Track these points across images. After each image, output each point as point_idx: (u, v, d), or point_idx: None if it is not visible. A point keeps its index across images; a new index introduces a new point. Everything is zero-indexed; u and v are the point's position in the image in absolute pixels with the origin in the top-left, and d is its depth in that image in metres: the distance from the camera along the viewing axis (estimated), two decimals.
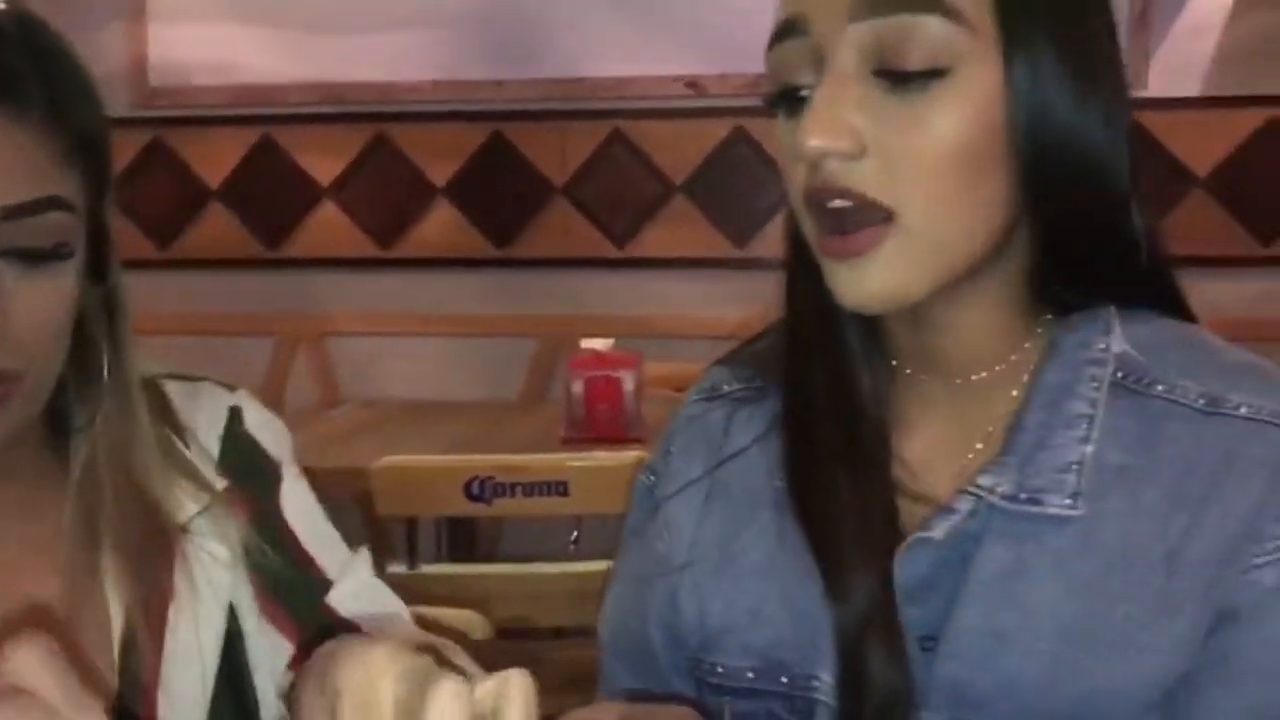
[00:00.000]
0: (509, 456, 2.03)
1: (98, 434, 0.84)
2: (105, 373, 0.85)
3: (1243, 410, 0.78)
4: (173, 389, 0.93)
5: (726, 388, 0.94)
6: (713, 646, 0.88)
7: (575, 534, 2.89)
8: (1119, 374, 0.81)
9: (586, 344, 2.45)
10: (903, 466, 0.85)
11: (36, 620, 0.82)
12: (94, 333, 0.85)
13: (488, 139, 3.54)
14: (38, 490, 0.85)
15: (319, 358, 3.67)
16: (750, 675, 0.86)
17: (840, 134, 0.74)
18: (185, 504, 0.87)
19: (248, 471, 0.92)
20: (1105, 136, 0.78)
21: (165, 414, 0.90)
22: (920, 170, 0.75)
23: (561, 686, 2.03)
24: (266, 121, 3.61)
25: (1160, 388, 0.80)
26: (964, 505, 0.80)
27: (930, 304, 0.79)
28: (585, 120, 3.47)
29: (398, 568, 2.08)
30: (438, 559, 2.42)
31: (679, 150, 3.45)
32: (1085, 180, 0.79)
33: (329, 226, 3.63)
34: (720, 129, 3.42)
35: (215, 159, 3.65)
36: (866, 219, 0.75)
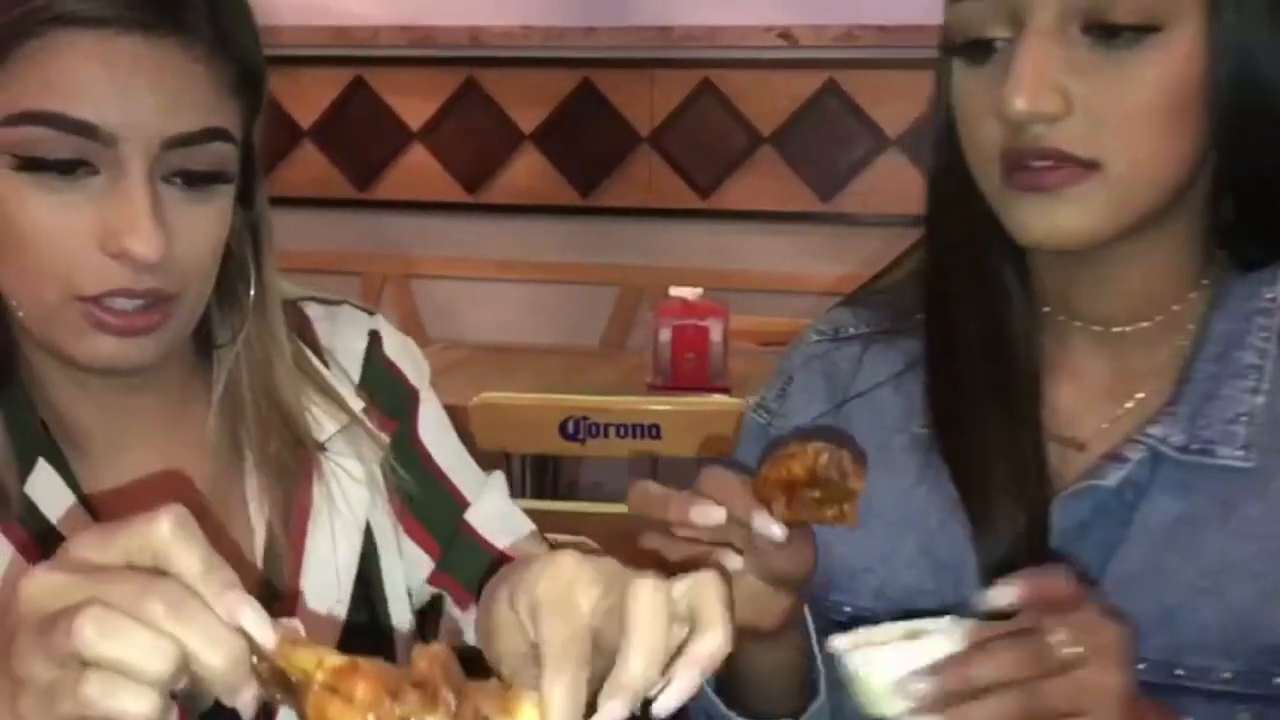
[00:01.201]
0: (604, 398, 2.06)
1: (241, 352, 0.87)
2: (250, 293, 0.88)
3: None
4: (314, 311, 0.96)
5: (853, 329, 0.95)
6: (840, 586, 0.88)
7: (653, 479, 2.92)
8: None
9: (675, 292, 2.46)
10: (1051, 412, 0.85)
11: (183, 496, 0.85)
12: (240, 255, 0.88)
13: (576, 86, 3.55)
14: (184, 403, 0.88)
15: (404, 299, 3.73)
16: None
17: (1049, 96, 0.74)
18: (324, 423, 0.90)
19: (388, 396, 0.95)
20: None
21: (306, 335, 0.94)
22: (1126, 125, 0.75)
23: None
24: (358, 63, 3.64)
25: None
26: (1136, 454, 0.80)
27: (1102, 250, 0.79)
28: (674, 69, 3.47)
29: None
30: (524, 496, 2.46)
31: (768, 101, 3.44)
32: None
33: (418, 170, 3.66)
34: (812, 81, 3.40)
35: (307, 99, 3.70)
36: (1067, 168, 0.76)
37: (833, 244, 3.39)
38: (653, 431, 1.94)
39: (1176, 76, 0.75)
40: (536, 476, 2.58)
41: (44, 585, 0.53)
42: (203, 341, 0.89)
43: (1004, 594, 0.67)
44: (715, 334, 2.43)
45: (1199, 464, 0.79)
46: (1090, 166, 0.75)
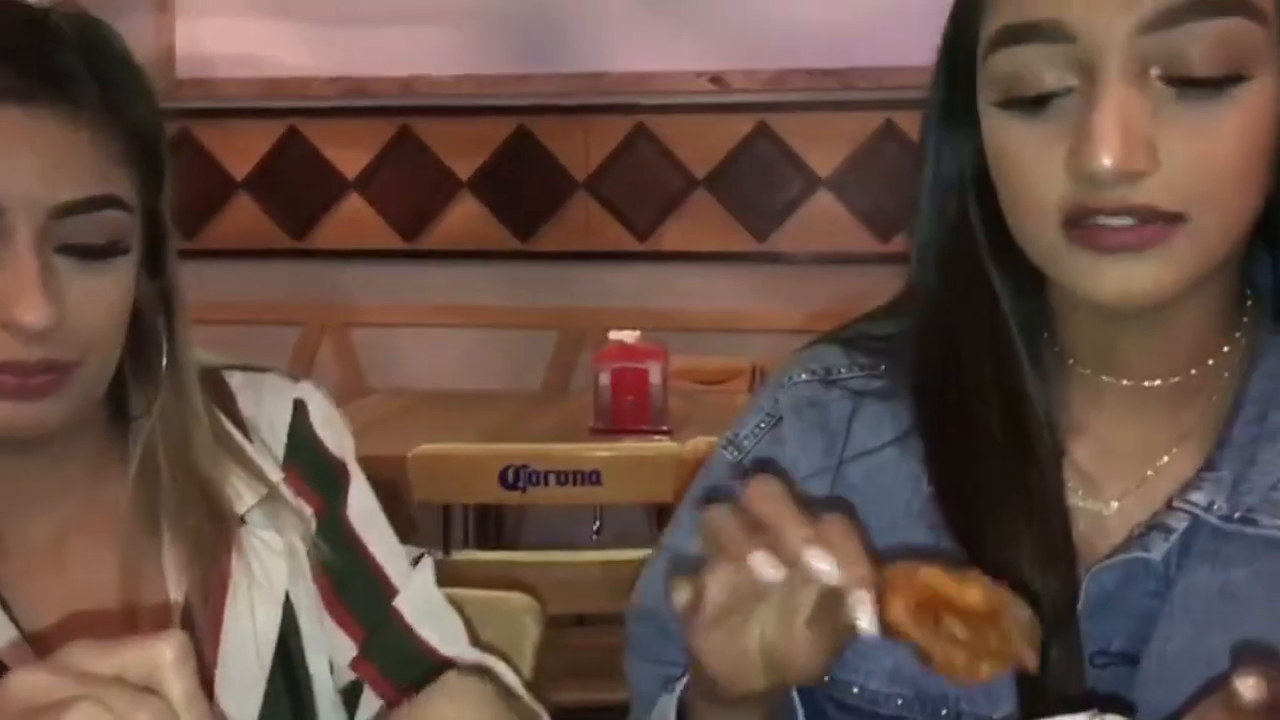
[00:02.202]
0: (543, 446, 2.06)
1: (155, 422, 0.86)
2: (163, 363, 0.86)
3: None
4: (236, 380, 0.94)
5: (845, 371, 0.88)
6: (849, 665, 0.81)
7: (597, 523, 2.92)
8: None
9: (614, 335, 2.48)
10: (1074, 471, 0.80)
11: (160, 619, 0.84)
12: (152, 324, 0.86)
13: (512, 133, 3.57)
14: (99, 475, 0.87)
15: (343, 347, 3.71)
16: (899, 703, 0.80)
17: (1139, 153, 0.69)
18: (243, 494, 0.89)
19: (314, 472, 0.94)
20: None
21: (227, 405, 0.92)
22: (1214, 177, 0.70)
23: (584, 671, 2.06)
24: (292, 114, 3.64)
25: None
26: (1179, 524, 0.75)
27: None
28: (608, 115, 3.50)
29: (434, 554, 2.12)
30: (465, 546, 2.45)
31: (701, 145, 3.48)
32: None
33: (354, 219, 3.66)
34: (743, 124, 3.44)
35: (241, 150, 3.68)
36: (1150, 225, 0.71)
37: (768, 282, 3.43)
38: (593, 478, 1.94)
39: (1262, 124, 0.71)
40: (479, 525, 2.58)
41: (32, 682, 0.53)
42: (118, 413, 0.88)
43: (1251, 688, 0.60)
44: (654, 376, 2.45)
45: (1240, 534, 0.75)
46: (1174, 221, 0.70)
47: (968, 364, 0.80)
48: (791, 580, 0.66)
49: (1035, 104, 0.72)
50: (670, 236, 3.53)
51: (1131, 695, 0.76)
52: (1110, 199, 0.70)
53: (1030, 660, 0.64)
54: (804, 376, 0.88)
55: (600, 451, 2.05)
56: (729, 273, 3.47)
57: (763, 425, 0.89)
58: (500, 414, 2.78)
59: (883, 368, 0.86)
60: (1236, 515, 0.75)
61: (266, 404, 0.94)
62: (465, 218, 3.62)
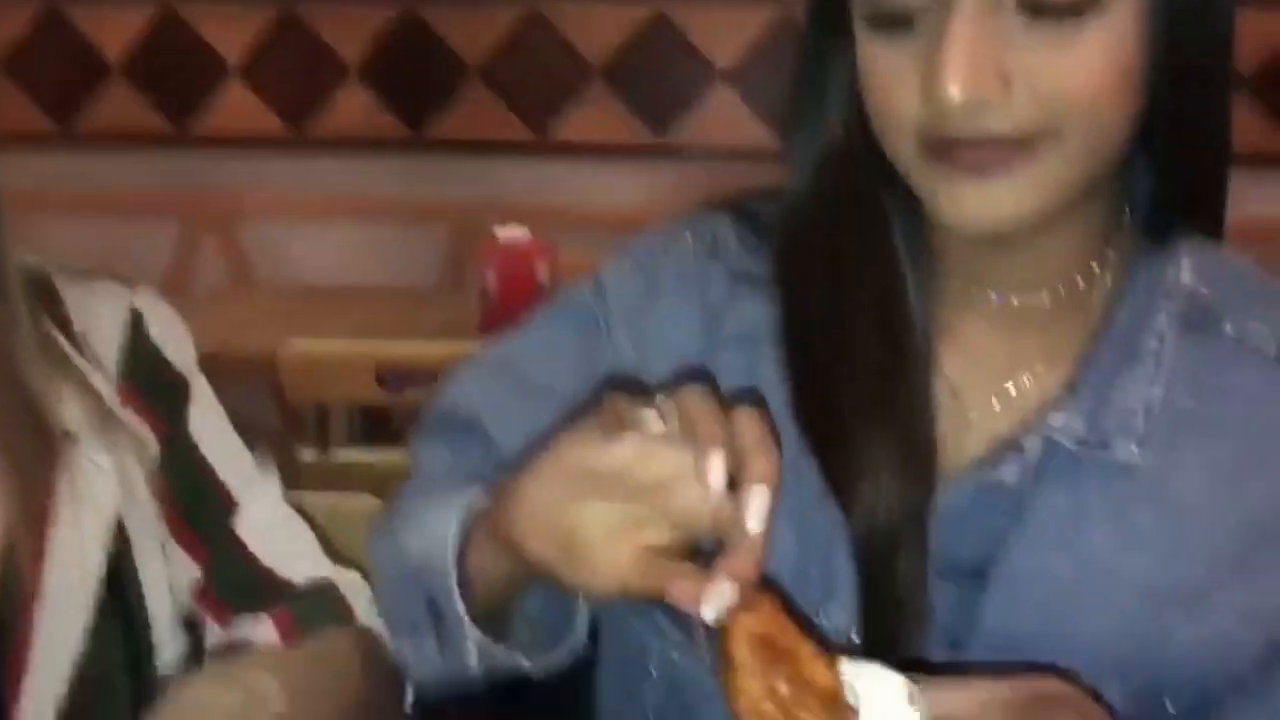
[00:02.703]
0: (420, 344, 2.01)
1: None
2: None
3: None
4: (65, 285, 0.88)
5: (732, 245, 0.85)
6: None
7: None
8: (1186, 310, 0.77)
9: (500, 233, 2.41)
10: (940, 380, 0.79)
11: None
12: None
13: (400, 17, 3.43)
14: None
15: (228, 241, 3.58)
16: None
17: (988, 80, 0.68)
18: (72, 410, 0.83)
19: (154, 387, 0.88)
20: (1229, 46, 0.75)
21: (53, 312, 0.86)
22: (1072, 101, 0.69)
23: None
24: None
25: (1229, 327, 0.77)
26: (1034, 446, 0.76)
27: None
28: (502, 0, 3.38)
29: (309, 453, 2.06)
30: (351, 443, 2.40)
31: (599, 34, 3.37)
32: (1217, 95, 0.75)
33: (237, 106, 3.51)
34: (640, 12, 3.34)
35: (114, 31, 3.49)
36: (1004, 149, 0.70)
37: (667, 177, 3.37)
38: None
39: (1121, 46, 0.70)
40: (365, 424, 2.53)
41: None
42: None
43: None
44: (542, 274, 2.39)
45: (1093, 457, 0.75)
46: (1027, 144, 0.70)
47: (847, 271, 0.79)
48: (675, 504, 0.64)
49: (896, 23, 0.71)
50: (566, 128, 3.44)
51: (975, 612, 0.76)
52: (962, 126, 0.69)
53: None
54: (691, 241, 0.85)
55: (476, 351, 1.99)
56: (626, 167, 3.41)
57: (631, 272, 0.85)
58: (390, 310, 2.72)
59: (767, 248, 0.83)
60: (1093, 440, 0.75)
61: (99, 313, 0.87)
62: (354, 106, 3.49)
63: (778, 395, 0.79)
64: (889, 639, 0.75)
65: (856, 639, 0.76)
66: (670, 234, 0.86)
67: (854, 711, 0.60)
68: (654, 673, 0.82)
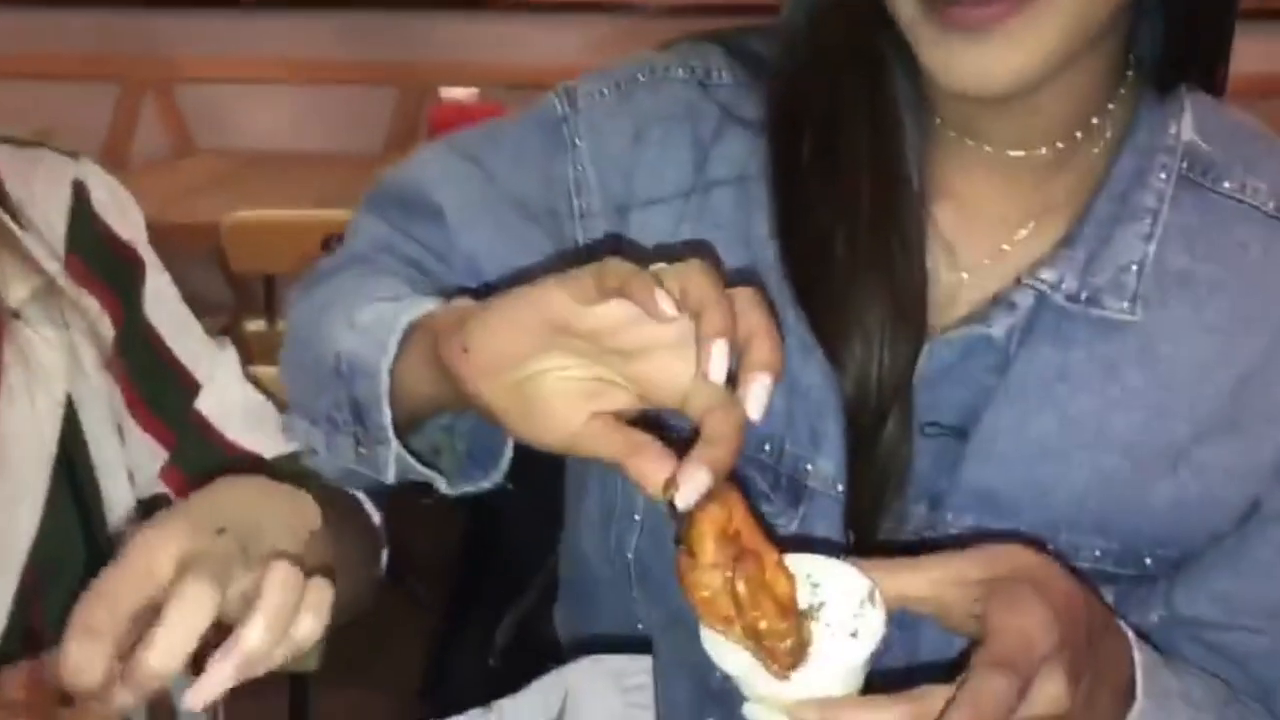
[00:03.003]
0: None
1: None
2: None
3: None
4: (3, 156, 0.83)
5: (723, 76, 0.80)
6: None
7: None
8: (1186, 165, 0.75)
9: (446, 94, 2.35)
10: (933, 234, 0.77)
11: None
12: None
13: None
14: None
15: (167, 106, 3.48)
16: None
17: None
18: (14, 285, 0.80)
19: (105, 264, 0.85)
20: None
21: None
22: None
23: None
24: None
25: (1228, 184, 0.75)
26: (1025, 300, 0.74)
27: None
28: None
29: (257, 324, 2.03)
30: None
31: None
32: None
33: None
34: None
35: None
36: (1004, 5, 0.66)
37: (620, 33, 3.29)
38: None
39: None
40: None
41: None
42: None
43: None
44: None
45: (1084, 314, 0.73)
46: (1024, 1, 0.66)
47: (844, 120, 0.76)
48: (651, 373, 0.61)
49: None
50: None
51: (957, 469, 0.75)
52: None
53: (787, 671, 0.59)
54: (680, 73, 0.81)
55: None
56: (578, 24, 3.31)
57: (606, 93, 0.81)
58: (337, 176, 2.65)
59: (759, 78, 0.79)
60: (1083, 295, 0.73)
61: (40, 185, 0.84)
62: None
63: (766, 245, 0.77)
64: (873, 493, 0.75)
65: (841, 489, 0.76)
66: (658, 63, 0.82)
67: (810, 618, 0.59)
68: (638, 518, 0.81)
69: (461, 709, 0.71)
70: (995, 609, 0.61)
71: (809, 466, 0.76)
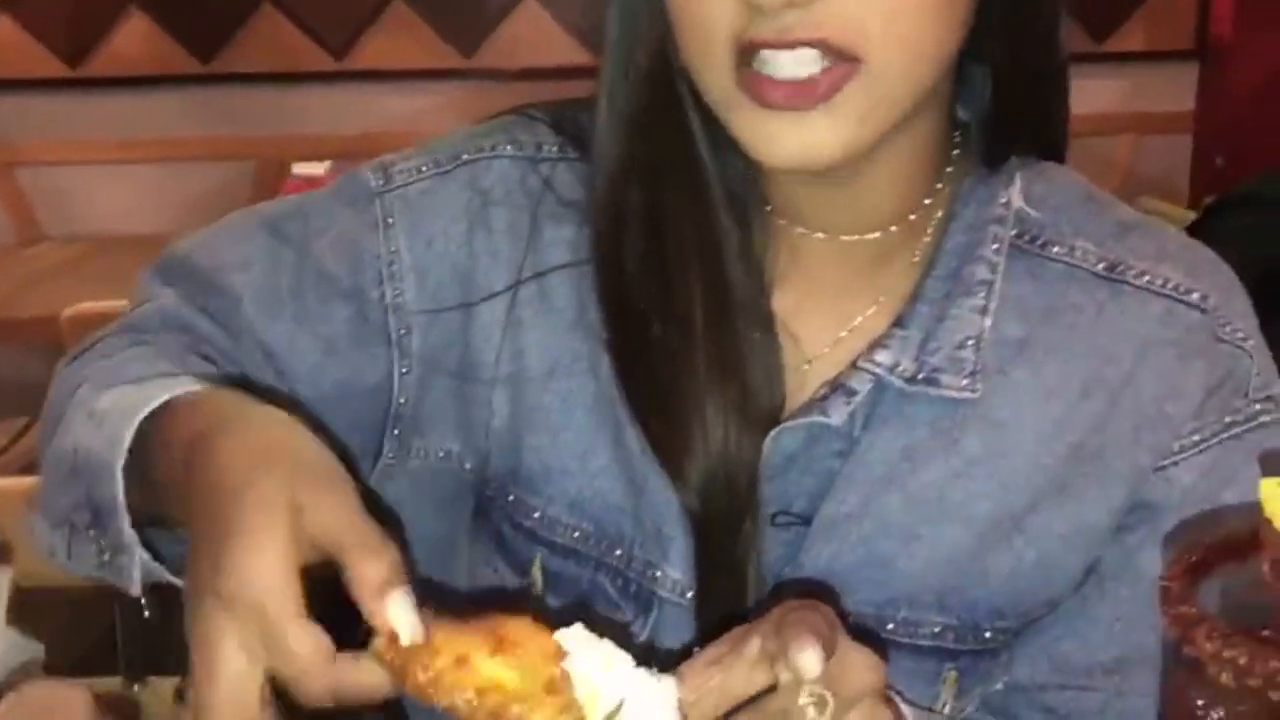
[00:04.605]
0: None
1: None
2: None
3: (1144, 279, 0.74)
4: None
5: (553, 152, 0.77)
6: (530, 486, 0.76)
7: None
8: (1016, 234, 0.74)
9: (299, 170, 2.28)
10: (781, 326, 0.75)
11: None
12: None
13: None
14: None
15: (10, 191, 3.33)
16: (575, 535, 0.76)
17: None
18: None
19: None
20: None
21: None
22: (894, 11, 0.64)
23: None
24: None
25: (1057, 249, 0.75)
26: (863, 385, 0.72)
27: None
28: None
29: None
30: None
31: None
32: (1044, 13, 0.72)
33: (6, 44, 3.24)
34: None
35: None
36: (824, 67, 0.64)
37: (478, 103, 3.26)
38: None
39: None
40: None
41: None
42: None
43: (812, 662, 0.54)
44: None
45: (924, 394, 0.72)
46: (848, 61, 0.64)
47: (666, 232, 0.73)
48: None
49: None
50: (368, 54, 3.29)
51: (798, 554, 0.74)
52: (779, 28, 0.63)
53: None
54: (508, 149, 0.77)
55: None
56: (433, 92, 3.28)
57: (425, 170, 0.77)
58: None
59: (582, 152, 0.76)
60: (920, 376, 0.72)
61: None
62: (135, 37, 3.26)
63: (600, 341, 0.74)
64: (724, 597, 0.73)
65: (691, 595, 0.74)
66: (484, 144, 0.78)
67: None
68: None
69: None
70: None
71: (657, 574, 0.74)
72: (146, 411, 0.62)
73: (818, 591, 0.70)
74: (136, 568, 0.64)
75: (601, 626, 0.54)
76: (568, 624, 0.54)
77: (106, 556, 0.65)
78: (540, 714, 0.51)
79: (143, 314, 0.76)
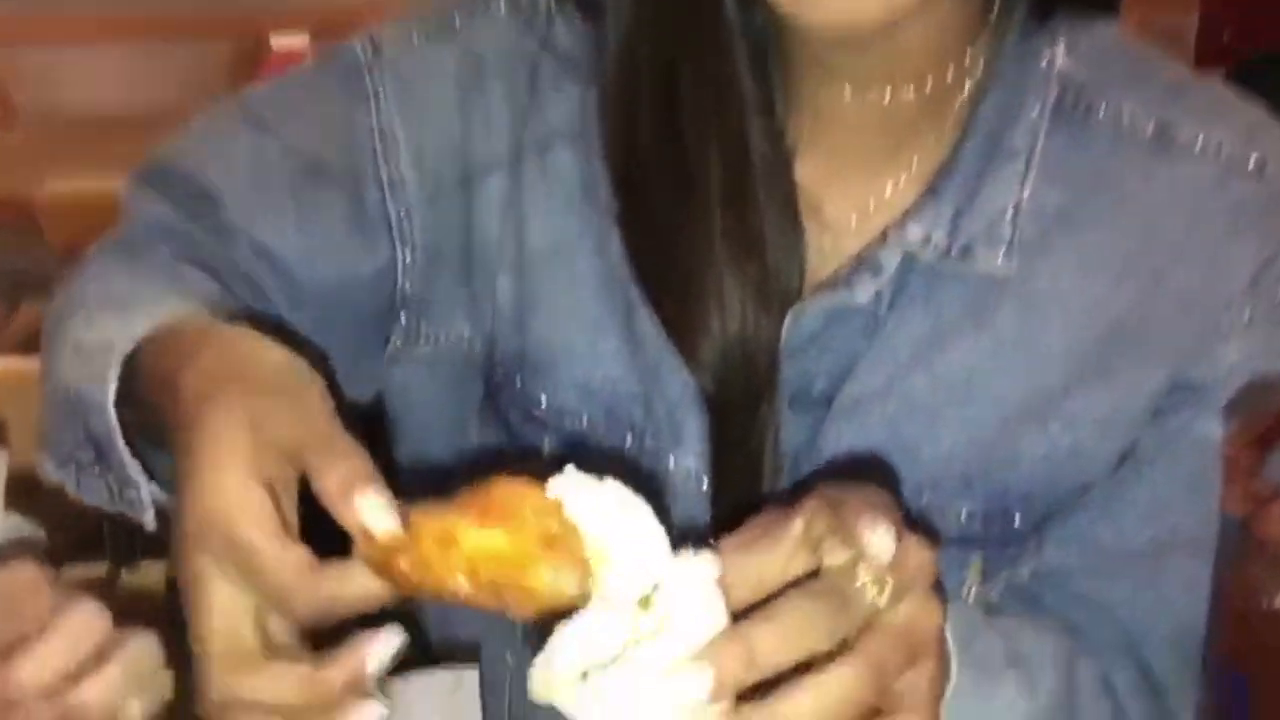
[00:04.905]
0: None
1: None
2: None
3: (1198, 145, 0.69)
4: None
5: (552, 13, 0.72)
6: (538, 371, 0.73)
7: None
8: (1058, 97, 0.70)
9: (278, 42, 2.21)
10: (800, 194, 0.71)
11: None
12: None
13: None
14: None
15: None
16: (585, 423, 0.73)
17: None
18: None
19: None
20: None
21: None
22: None
23: None
24: None
25: (1103, 112, 0.70)
26: (891, 261, 0.69)
27: None
28: None
29: None
30: None
31: None
32: None
33: None
34: None
35: None
36: None
37: None
38: None
39: None
40: None
41: None
42: None
43: (885, 542, 0.50)
44: None
45: (956, 273, 0.69)
46: None
47: (683, 97, 0.68)
48: None
49: None
50: None
51: (817, 437, 0.71)
52: None
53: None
54: (503, 9, 0.73)
55: None
56: None
57: (418, 40, 0.73)
58: (167, 139, 2.50)
59: (588, 29, 0.71)
60: (954, 250, 0.68)
61: None
62: None
63: (612, 210, 0.70)
64: (741, 484, 0.71)
65: (705, 483, 0.71)
66: (477, 5, 0.74)
67: (650, 607, 0.49)
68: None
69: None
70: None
71: (670, 462, 0.71)
72: (130, 348, 0.61)
73: (862, 473, 0.68)
74: (146, 499, 0.63)
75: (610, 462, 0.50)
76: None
77: (115, 490, 0.64)
78: (541, 574, 0.47)
79: (131, 227, 0.74)
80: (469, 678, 0.57)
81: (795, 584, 0.50)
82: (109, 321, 0.63)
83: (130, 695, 0.53)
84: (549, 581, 0.47)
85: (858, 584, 0.50)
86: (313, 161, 0.73)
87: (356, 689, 0.50)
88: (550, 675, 0.48)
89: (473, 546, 0.47)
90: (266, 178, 0.73)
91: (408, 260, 0.73)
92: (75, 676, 0.52)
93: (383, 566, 0.49)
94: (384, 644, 0.50)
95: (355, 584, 0.49)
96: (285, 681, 0.49)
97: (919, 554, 0.52)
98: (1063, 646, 0.71)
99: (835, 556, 0.50)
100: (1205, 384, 0.71)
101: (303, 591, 0.49)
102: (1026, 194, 0.69)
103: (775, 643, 0.47)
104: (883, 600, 0.49)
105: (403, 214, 0.73)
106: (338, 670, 0.49)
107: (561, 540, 0.48)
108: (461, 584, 0.47)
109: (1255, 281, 0.70)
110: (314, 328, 0.71)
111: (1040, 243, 0.69)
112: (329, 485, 0.49)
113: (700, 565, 0.49)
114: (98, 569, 1.35)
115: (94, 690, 0.52)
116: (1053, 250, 0.69)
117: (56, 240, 1.76)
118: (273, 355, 0.55)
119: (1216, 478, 0.68)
